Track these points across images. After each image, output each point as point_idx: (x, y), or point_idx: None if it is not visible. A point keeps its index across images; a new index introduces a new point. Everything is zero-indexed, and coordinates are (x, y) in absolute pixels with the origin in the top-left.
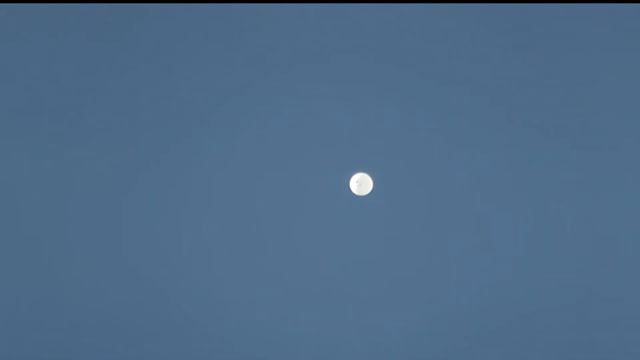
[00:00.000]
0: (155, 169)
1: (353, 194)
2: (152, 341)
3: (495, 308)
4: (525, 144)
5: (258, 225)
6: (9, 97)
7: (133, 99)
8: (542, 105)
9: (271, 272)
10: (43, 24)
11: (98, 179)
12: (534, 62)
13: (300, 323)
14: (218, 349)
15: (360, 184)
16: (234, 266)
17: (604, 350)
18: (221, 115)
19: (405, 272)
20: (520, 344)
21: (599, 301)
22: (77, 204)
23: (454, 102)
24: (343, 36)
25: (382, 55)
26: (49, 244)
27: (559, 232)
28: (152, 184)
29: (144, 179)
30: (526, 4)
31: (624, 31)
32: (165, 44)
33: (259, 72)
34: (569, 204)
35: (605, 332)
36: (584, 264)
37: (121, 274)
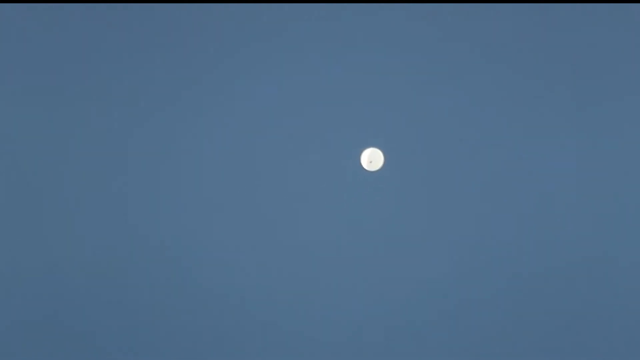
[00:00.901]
0: (157, 126)
1: (364, 169)
2: (152, 300)
3: (509, 273)
4: (545, 115)
5: (265, 197)
6: (11, 46)
7: (138, 49)
8: (557, 77)
9: (277, 243)
10: None
11: (97, 135)
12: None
13: (307, 294)
14: (220, 309)
15: (372, 160)
16: (237, 239)
17: (607, 308)
18: (227, 79)
19: (415, 243)
20: (524, 306)
21: (605, 260)
22: (77, 158)
23: (466, 71)
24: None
25: (400, 24)
26: (48, 197)
27: (564, 193)
28: (153, 141)
29: (144, 135)
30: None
31: None
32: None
33: (270, 45)
34: (572, 164)
35: (609, 290)
36: (588, 222)
37: (122, 231)
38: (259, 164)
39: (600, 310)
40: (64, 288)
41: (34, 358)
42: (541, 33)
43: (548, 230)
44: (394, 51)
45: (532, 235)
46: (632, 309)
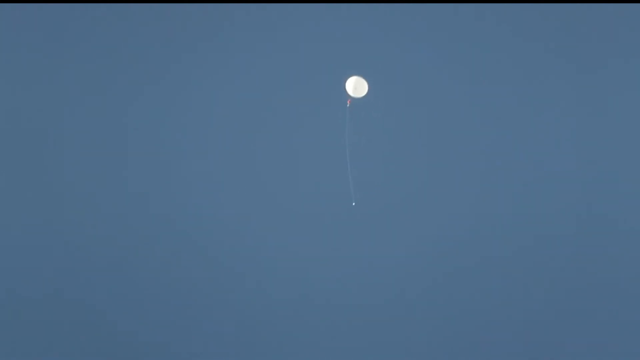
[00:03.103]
0: (157, 84)
1: (349, 94)
2: (155, 261)
3: (508, 234)
4: (526, 54)
5: (257, 130)
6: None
7: (138, 11)
8: (546, 26)
9: (268, 176)
10: None
11: (101, 91)
12: None
13: (296, 232)
14: (220, 268)
15: (356, 87)
16: (232, 173)
17: (607, 267)
18: (218, 28)
19: (402, 176)
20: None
21: (604, 220)
22: (80, 118)
23: (452, 9)
24: None
25: None
26: (50, 157)
27: (561, 152)
28: (155, 98)
29: (147, 93)
30: None
31: None
32: None
33: None
34: (569, 122)
35: (608, 251)
36: (587, 184)
37: (124, 192)
38: (250, 92)
39: (601, 271)
40: (69, 251)
41: (35, 325)
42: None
43: (548, 191)
44: None
45: (532, 195)
46: (631, 265)
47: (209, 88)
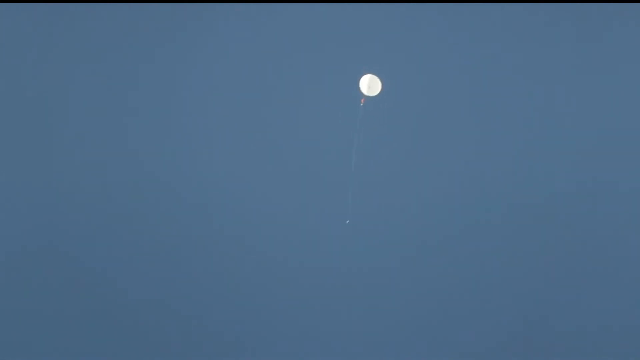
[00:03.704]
0: (156, 68)
1: (363, 93)
2: (155, 234)
3: (501, 202)
4: (534, 50)
5: (267, 120)
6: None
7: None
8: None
9: (277, 166)
10: None
11: (101, 74)
12: None
13: (303, 217)
14: (222, 241)
15: (370, 85)
16: (239, 164)
17: (605, 233)
18: (225, 14)
19: (409, 168)
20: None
21: (599, 191)
22: (81, 98)
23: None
24: None
25: None
26: (52, 134)
27: (562, 126)
28: (154, 80)
29: (145, 74)
30: None
31: None
32: None
33: None
34: (570, 96)
35: (606, 219)
36: (585, 154)
37: (125, 166)
38: (259, 86)
39: (599, 240)
40: (65, 219)
41: (38, 288)
42: None
43: (546, 160)
44: None
45: (531, 165)
46: (630, 235)
47: (209, 88)
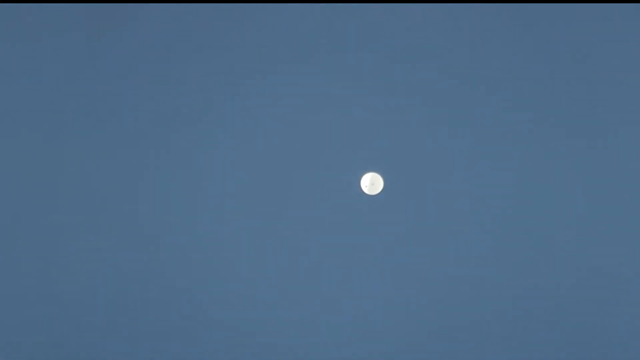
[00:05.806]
0: (159, 166)
1: (364, 193)
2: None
3: (504, 312)
4: (538, 146)
5: (268, 224)
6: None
7: (144, 48)
8: (555, 106)
9: (279, 269)
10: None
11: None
12: (547, 67)
13: (309, 318)
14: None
15: (372, 183)
16: (241, 268)
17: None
18: (229, 113)
19: (413, 270)
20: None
21: (603, 278)
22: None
23: (462, 101)
24: (353, 34)
25: (392, 54)
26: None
27: (564, 231)
28: (158, 183)
29: (150, 174)
30: (527, 4)
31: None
32: (167, 40)
33: (267, 69)
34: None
35: (612, 307)
36: (590, 231)
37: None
38: (261, 185)
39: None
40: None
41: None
42: (540, 33)
43: (551, 242)
44: (393, 77)
45: (536, 252)
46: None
47: (213, 136)
